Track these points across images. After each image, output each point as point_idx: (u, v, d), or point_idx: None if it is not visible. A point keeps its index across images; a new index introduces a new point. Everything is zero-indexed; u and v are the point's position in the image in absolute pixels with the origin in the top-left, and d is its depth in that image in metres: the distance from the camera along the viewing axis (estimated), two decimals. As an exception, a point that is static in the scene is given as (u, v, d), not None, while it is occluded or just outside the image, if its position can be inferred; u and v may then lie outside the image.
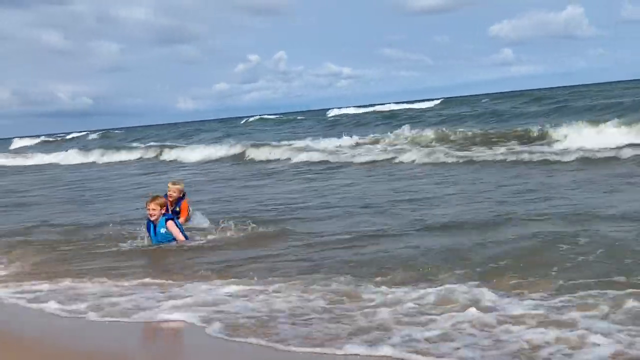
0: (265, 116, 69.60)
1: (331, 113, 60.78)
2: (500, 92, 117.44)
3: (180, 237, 8.27)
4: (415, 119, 35.48)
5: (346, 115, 54.10)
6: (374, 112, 53.17)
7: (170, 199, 9.37)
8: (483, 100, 59.86)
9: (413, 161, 17.00)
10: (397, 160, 17.42)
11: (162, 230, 8.22)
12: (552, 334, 4.33)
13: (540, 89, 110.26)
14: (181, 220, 9.15)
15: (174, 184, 9.66)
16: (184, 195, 9.60)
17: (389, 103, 73.51)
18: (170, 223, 8.26)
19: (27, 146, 59.59)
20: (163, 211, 8.40)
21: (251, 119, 64.36)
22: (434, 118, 34.84)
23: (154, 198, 8.47)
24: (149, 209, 8.33)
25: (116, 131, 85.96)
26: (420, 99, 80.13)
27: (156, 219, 8.29)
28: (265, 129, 46.23)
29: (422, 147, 19.26)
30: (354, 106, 70.18)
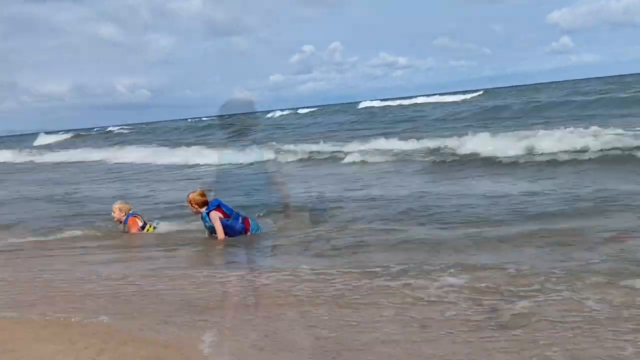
0: (300, 110, 67.04)
1: (361, 105, 59.74)
2: (558, 81, 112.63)
3: (219, 232, 8.38)
4: (428, 116, 33.15)
5: (372, 107, 53.69)
6: (390, 106, 52.72)
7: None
8: (526, 92, 57.15)
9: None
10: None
11: (207, 224, 8.52)
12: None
13: (597, 77, 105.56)
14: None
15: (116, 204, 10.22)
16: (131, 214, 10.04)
17: (435, 94, 72.23)
18: (212, 215, 8.38)
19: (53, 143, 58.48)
20: (197, 208, 8.58)
21: (277, 114, 61.63)
22: (444, 115, 32.75)
23: (195, 192, 8.78)
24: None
25: (161, 123, 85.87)
26: (473, 89, 77.48)
27: (196, 213, 8.64)
28: (277, 126, 43.93)
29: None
30: (383, 99, 68.31)
